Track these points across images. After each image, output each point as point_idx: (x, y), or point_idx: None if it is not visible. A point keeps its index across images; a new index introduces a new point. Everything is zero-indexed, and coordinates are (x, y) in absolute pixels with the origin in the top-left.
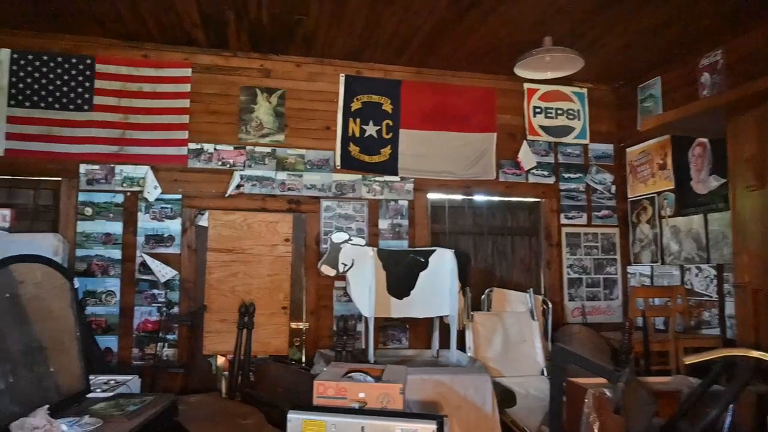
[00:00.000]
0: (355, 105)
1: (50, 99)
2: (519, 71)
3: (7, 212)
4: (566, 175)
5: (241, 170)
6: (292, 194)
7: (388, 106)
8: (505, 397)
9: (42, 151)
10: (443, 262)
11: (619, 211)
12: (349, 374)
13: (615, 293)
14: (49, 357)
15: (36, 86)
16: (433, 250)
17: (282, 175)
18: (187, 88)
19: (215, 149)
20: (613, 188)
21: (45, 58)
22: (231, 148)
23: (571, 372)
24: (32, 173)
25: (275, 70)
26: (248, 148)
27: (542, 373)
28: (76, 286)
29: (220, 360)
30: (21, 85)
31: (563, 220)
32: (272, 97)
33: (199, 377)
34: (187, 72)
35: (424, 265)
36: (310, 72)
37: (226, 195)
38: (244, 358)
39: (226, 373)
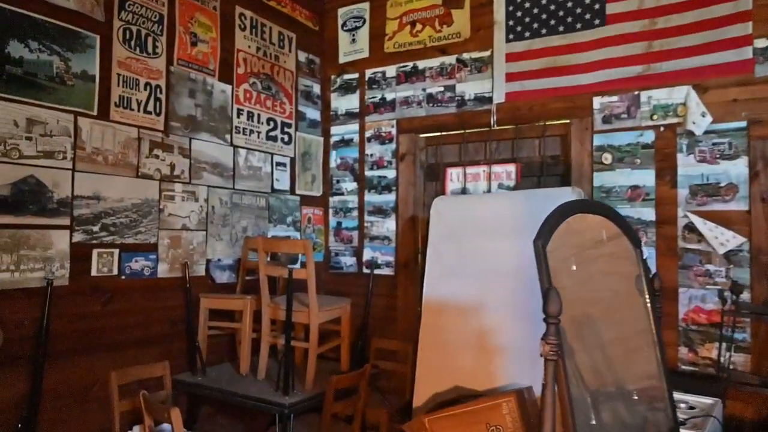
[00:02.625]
0: None
1: (552, 21)
2: None
3: (511, 168)
4: None
5: None
6: None
7: None
8: None
9: (546, 89)
10: None
11: None
12: None
13: None
14: (627, 372)
15: (535, 10)
16: None
17: None
18: None
19: None
20: None
21: None
22: None
23: None
24: (536, 118)
25: None
26: None
27: None
28: (644, 256)
29: None
30: (519, 13)
31: None
32: None
33: None
34: None
35: None
36: None
37: None
38: None
39: None
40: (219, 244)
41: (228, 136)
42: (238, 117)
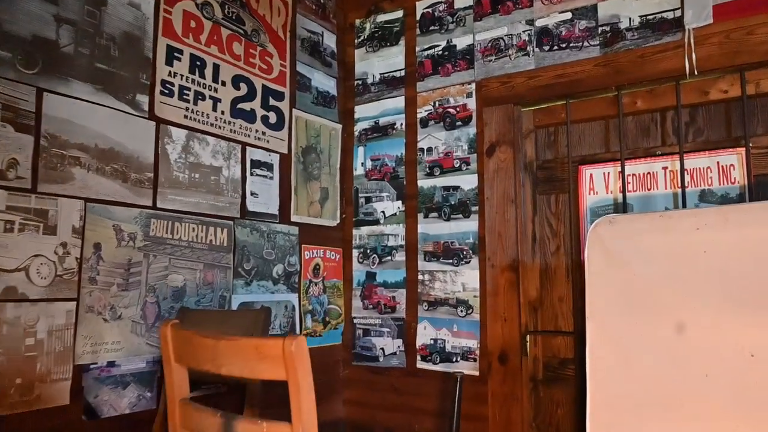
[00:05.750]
0: None
1: None
2: None
3: (731, 158)
4: None
5: None
6: None
7: None
8: None
9: None
10: None
11: None
12: None
13: None
14: None
15: None
16: None
17: None
18: None
19: None
20: None
21: None
22: None
23: None
24: None
25: None
26: None
27: None
28: None
29: None
30: None
31: None
32: None
33: None
34: None
35: None
36: None
37: None
38: None
39: None
40: (110, 328)
41: (143, 99)
42: (170, 62)
